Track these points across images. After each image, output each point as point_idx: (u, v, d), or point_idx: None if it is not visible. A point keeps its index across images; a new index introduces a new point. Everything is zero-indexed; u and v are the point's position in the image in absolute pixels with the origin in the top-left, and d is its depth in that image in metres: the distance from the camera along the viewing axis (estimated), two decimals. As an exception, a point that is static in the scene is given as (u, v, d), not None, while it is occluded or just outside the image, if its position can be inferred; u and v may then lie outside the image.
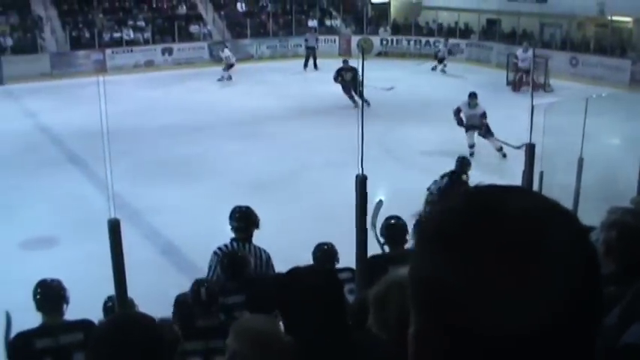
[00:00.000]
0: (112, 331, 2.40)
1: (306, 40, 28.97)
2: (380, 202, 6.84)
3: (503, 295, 0.77)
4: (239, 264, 6.29)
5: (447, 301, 0.80)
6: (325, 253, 6.71)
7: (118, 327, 2.41)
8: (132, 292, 5.25)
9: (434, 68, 27.42)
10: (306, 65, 28.18)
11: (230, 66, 25.62)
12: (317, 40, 28.94)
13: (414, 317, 0.86)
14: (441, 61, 27.52)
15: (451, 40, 28.85)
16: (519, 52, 23.43)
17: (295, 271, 2.81)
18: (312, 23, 31.99)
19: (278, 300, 2.58)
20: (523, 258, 0.78)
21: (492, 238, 0.79)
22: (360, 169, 5.43)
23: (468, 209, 0.84)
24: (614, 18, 26.09)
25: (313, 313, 2.48)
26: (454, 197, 0.87)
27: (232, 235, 6.97)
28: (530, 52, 21.65)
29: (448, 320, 0.80)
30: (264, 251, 6.83)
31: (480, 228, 0.80)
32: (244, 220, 6.96)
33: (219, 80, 25.21)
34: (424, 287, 0.84)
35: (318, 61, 27.67)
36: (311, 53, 28.35)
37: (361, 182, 5.39)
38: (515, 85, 23.14)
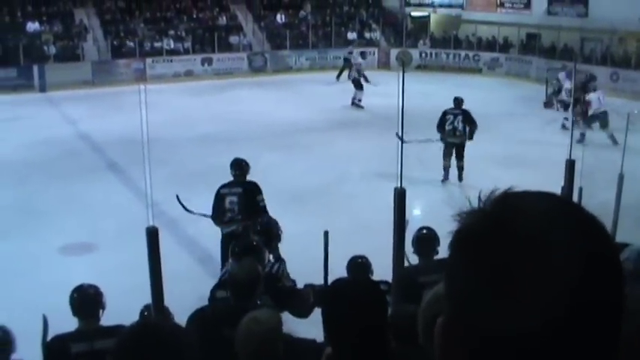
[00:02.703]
0: (135, 338, 2.41)
1: (350, 53, 27.55)
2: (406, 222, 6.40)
3: (513, 299, 0.79)
4: (250, 252, 6.02)
5: (463, 301, 0.84)
6: (359, 266, 6.68)
7: (141, 335, 2.43)
8: (168, 301, 5.27)
9: (357, 82, 23.61)
10: (339, 77, 27.78)
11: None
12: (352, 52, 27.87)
13: (444, 310, 0.90)
14: (357, 72, 24.03)
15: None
16: (567, 84, 20.06)
17: (341, 284, 2.80)
18: (352, 35, 31.98)
19: (322, 311, 2.57)
20: (536, 266, 0.79)
21: (509, 244, 0.82)
22: (399, 182, 5.40)
23: (492, 213, 0.86)
24: (657, 33, 25.77)
25: (357, 326, 2.47)
26: (487, 202, 0.89)
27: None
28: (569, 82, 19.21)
29: (465, 318, 0.83)
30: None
31: (497, 233, 0.83)
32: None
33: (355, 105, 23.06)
34: (447, 284, 0.88)
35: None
36: (347, 66, 27.55)
37: (400, 195, 5.35)
38: (548, 104, 22.51)
